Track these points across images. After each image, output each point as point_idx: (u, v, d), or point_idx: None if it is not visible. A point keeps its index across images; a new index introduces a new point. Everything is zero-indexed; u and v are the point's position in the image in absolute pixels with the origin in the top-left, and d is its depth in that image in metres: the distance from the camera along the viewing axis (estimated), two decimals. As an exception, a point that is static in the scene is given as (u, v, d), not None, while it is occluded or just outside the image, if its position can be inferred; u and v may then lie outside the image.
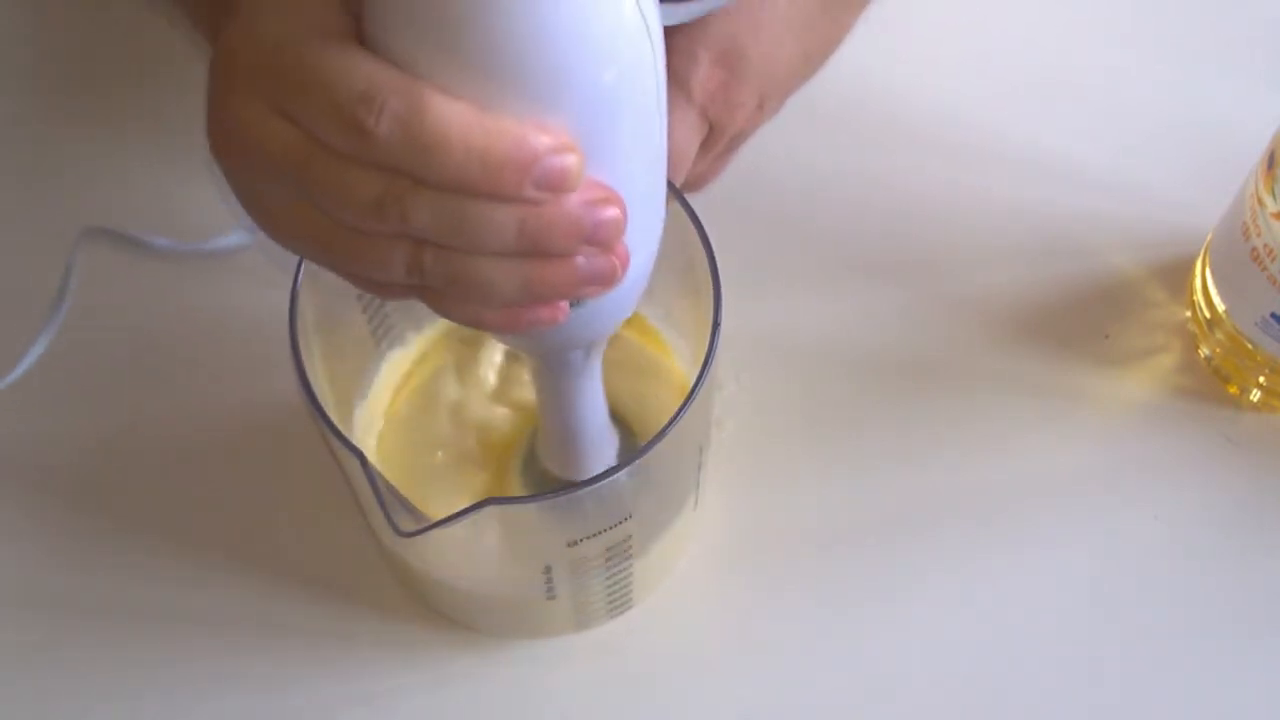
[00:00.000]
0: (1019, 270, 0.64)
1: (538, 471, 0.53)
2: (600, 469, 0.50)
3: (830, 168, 0.66)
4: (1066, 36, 0.71)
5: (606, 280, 0.37)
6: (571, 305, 0.38)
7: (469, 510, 0.42)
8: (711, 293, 0.47)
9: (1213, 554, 0.58)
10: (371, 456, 0.55)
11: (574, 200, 0.35)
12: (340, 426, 0.44)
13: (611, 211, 0.36)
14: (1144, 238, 0.65)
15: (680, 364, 0.57)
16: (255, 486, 0.59)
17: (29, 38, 0.71)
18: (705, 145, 0.54)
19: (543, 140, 0.34)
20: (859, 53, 0.59)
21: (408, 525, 0.42)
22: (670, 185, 0.50)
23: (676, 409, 0.45)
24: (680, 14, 0.41)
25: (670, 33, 0.51)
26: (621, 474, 0.44)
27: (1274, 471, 0.60)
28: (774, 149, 0.61)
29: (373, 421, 0.56)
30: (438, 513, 0.43)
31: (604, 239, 0.36)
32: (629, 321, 0.57)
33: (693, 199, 0.49)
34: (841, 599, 0.57)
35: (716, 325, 0.46)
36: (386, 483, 0.42)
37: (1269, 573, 0.58)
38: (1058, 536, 0.59)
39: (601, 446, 0.50)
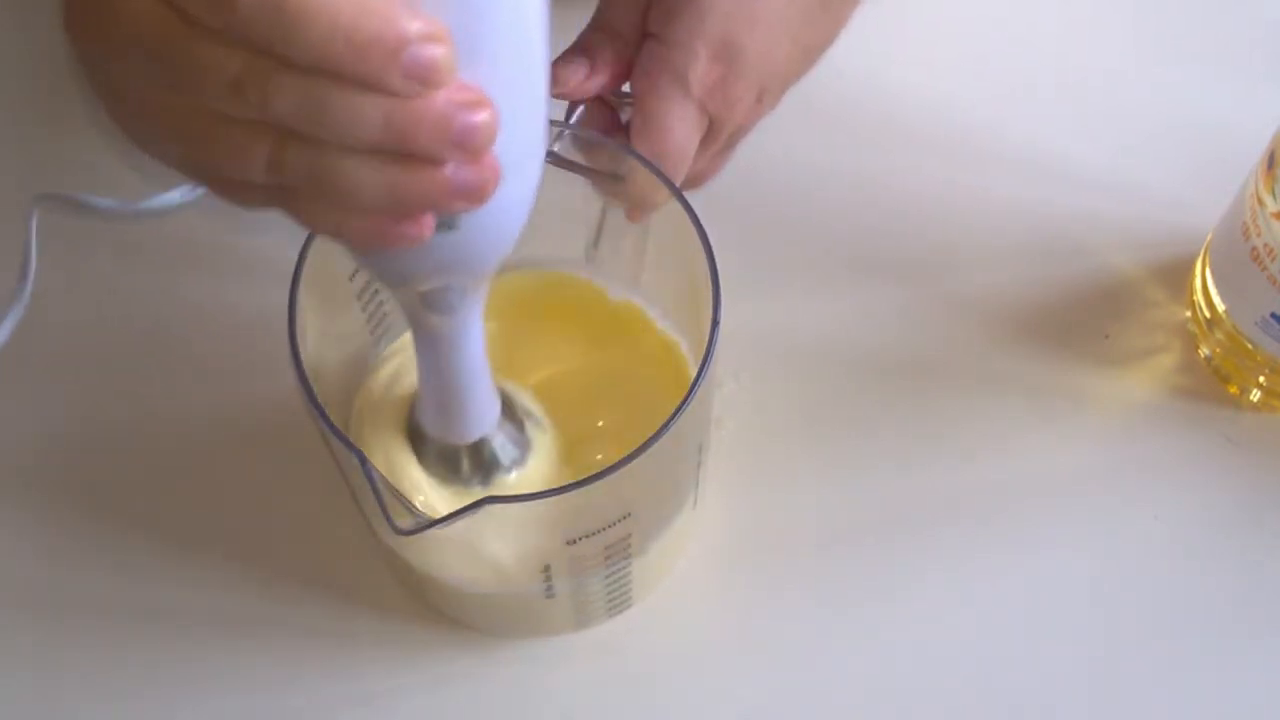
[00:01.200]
0: (1019, 270, 0.64)
1: (417, 439, 0.51)
2: (479, 434, 0.49)
3: (830, 167, 0.66)
4: (1066, 36, 0.71)
5: (475, 193, 0.35)
6: (441, 229, 0.37)
7: (467, 509, 0.42)
8: (710, 292, 0.47)
9: (1213, 554, 0.58)
10: (372, 451, 0.55)
11: (442, 97, 0.34)
12: (338, 424, 0.44)
13: (482, 115, 0.34)
14: (1144, 238, 0.65)
15: (681, 363, 0.57)
16: (254, 485, 0.59)
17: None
18: (705, 141, 0.54)
19: (413, 25, 0.32)
20: (858, 52, 0.59)
21: (406, 523, 0.42)
22: (669, 182, 0.50)
23: (675, 407, 0.45)
24: None
25: (669, 27, 0.51)
26: (621, 470, 0.44)
27: (1274, 471, 0.60)
28: (774, 149, 0.61)
29: (373, 415, 0.56)
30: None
31: (473, 144, 0.34)
32: (631, 318, 0.57)
33: (693, 198, 0.49)
34: (841, 598, 0.57)
35: (716, 324, 0.46)
36: (385, 480, 0.42)
37: (1269, 573, 0.58)
38: (1057, 536, 0.59)
39: (482, 410, 0.49)
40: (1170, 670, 0.56)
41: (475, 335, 0.45)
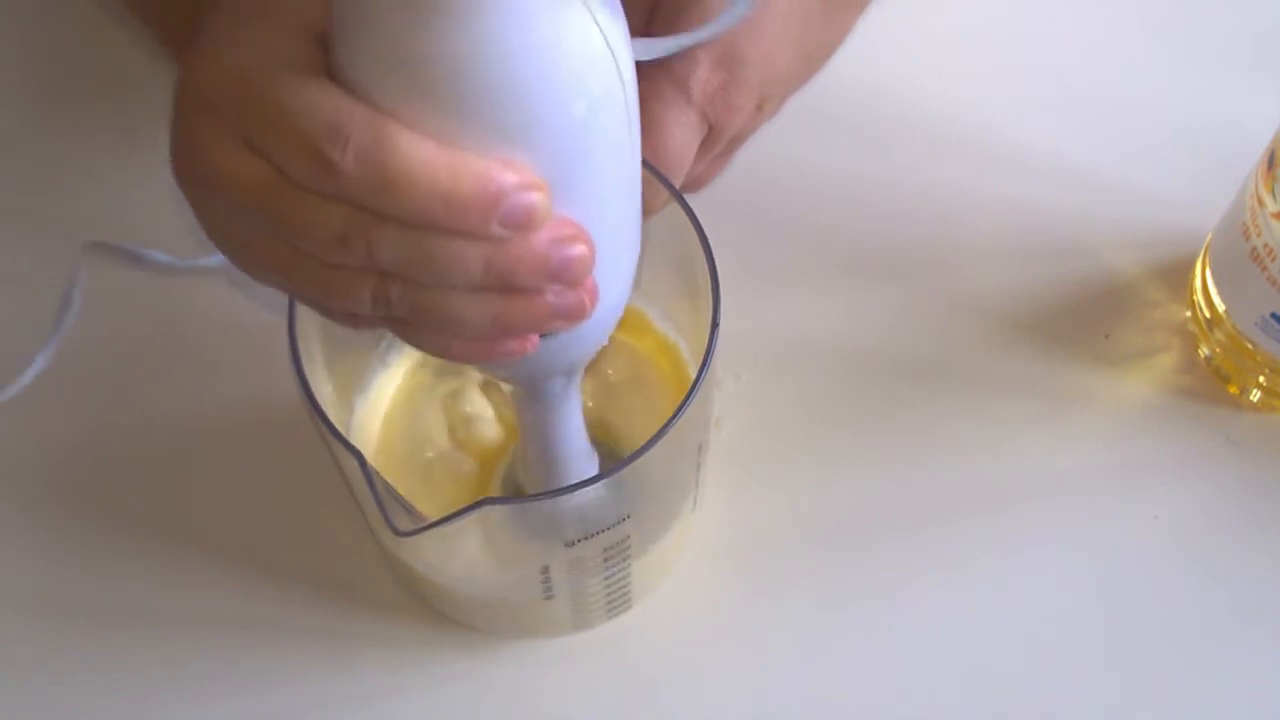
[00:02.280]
0: (1019, 270, 0.64)
1: (516, 490, 0.53)
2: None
3: (830, 167, 0.66)
4: (1066, 37, 0.71)
5: (575, 315, 0.37)
6: (542, 336, 0.38)
7: (466, 510, 0.42)
8: (710, 293, 0.47)
9: (1213, 554, 0.58)
10: (371, 456, 0.55)
11: (541, 238, 0.35)
12: (340, 427, 0.45)
13: (579, 249, 0.35)
14: (1144, 238, 0.65)
15: (680, 363, 0.57)
16: (256, 488, 0.60)
17: (26, 52, 0.71)
18: (704, 146, 0.54)
19: (508, 178, 0.34)
20: (859, 53, 0.59)
21: (405, 525, 0.42)
22: (670, 185, 0.50)
23: (675, 408, 0.45)
24: (657, 49, 0.41)
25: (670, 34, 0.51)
26: (619, 474, 0.44)
27: (1274, 471, 0.60)
28: (774, 149, 0.61)
29: (372, 422, 0.56)
30: (435, 512, 0.43)
31: (571, 277, 0.36)
32: (631, 319, 0.57)
33: (693, 199, 0.49)
34: (841, 599, 0.57)
35: (715, 325, 0.46)
36: (384, 482, 0.42)
37: (1269, 572, 0.58)
38: (1057, 536, 0.59)
39: (581, 472, 0.50)
40: (1170, 670, 0.56)
41: (575, 410, 0.47)
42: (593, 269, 0.36)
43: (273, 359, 0.56)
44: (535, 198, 0.34)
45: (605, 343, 0.42)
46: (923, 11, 0.70)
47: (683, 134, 0.52)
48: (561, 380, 0.44)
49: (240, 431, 0.60)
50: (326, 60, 0.35)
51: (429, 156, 0.33)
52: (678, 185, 0.52)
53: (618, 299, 0.40)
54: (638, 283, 0.56)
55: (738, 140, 0.56)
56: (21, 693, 0.56)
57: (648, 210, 0.52)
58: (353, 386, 0.55)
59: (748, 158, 0.59)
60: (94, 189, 0.67)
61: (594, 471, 0.51)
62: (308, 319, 0.47)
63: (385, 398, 0.57)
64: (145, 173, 0.67)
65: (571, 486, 0.44)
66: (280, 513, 0.59)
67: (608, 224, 0.37)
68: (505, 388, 0.46)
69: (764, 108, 0.54)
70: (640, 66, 0.52)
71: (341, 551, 0.58)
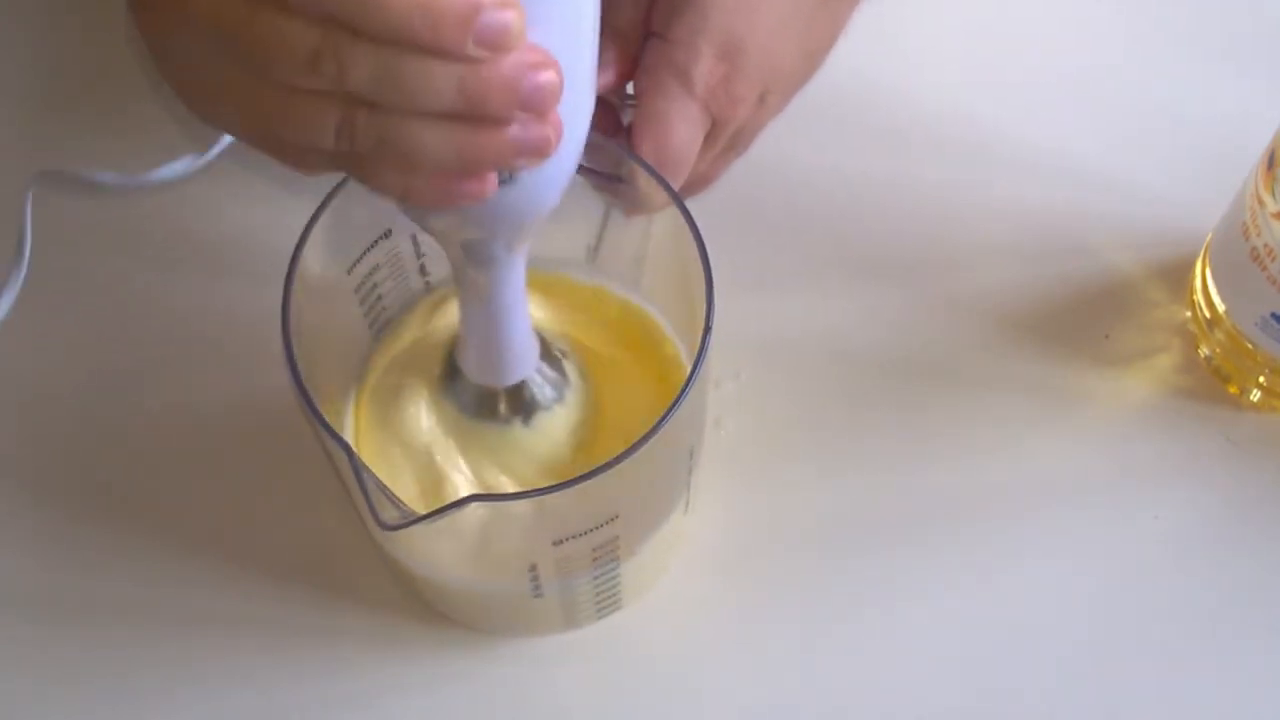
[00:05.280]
0: (1019, 270, 0.64)
1: (456, 385, 0.52)
2: (519, 377, 0.50)
3: (829, 167, 0.66)
4: (1066, 36, 0.70)
5: (540, 150, 0.37)
6: (501, 183, 0.38)
7: (451, 506, 0.42)
8: (704, 297, 0.47)
9: (1213, 554, 0.58)
10: (370, 452, 0.55)
11: (512, 60, 0.35)
12: (333, 418, 0.45)
13: (548, 75, 0.35)
14: (1144, 238, 0.64)
15: (679, 364, 0.57)
16: (250, 483, 0.60)
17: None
18: (707, 141, 0.54)
19: None
20: (858, 52, 0.59)
21: (391, 518, 0.43)
22: (667, 186, 0.50)
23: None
24: None
25: (672, 26, 0.51)
26: (608, 473, 0.44)
27: (1274, 471, 0.60)
28: (773, 148, 0.61)
29: (368, 411, 0.56)
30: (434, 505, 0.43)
31: (540, 104, 0.35)
32: (630, 318, 0.57)
33: (692, 200, 0.49)
34: (837, 601, 0.57)
35: (708, 329, 0.46)
36: (372, 475, 0.42)
37: (1269, 573, 0.58)
38: (1057, 536, 0.58)
39: (523, 354, 0.50)
40: (1170, 670, 0.56)
41: (517, 283, 0.46)
42: (559, 100, 0.36)
43: (267, 351, 0.56)
44: (510, 16, 0.34)
45: (552, 207, 0.41)
46: (922, 11, 0.70)
47: (686, 129, 0.52)
48: (504, 245, 0.44)
49: (236, 426, 0.61)
50: None
51: None
52: (681, 182, 0.52)
53: (572, 153, 0.40)
54: (637, 282, 0.57)
55: (741, 136, 0.56)
56: (17, 691, 0.56)
57: (649, 209, 0.52)
58: (348, 377, 0.55)
59: (748, 157, 0.59)
60: (39, 120, 0.67)
61: (534, 357, 0.51)
62: (303, 313, 0.47)
63: (384, 391, 0.57)
64: (85, 94, 0.67)
65: (556, 486, 0.44)
66: (276, 510, 0.59)
67: (568, 63, 0.37)
68: (449, 257, 0.45)
69: (767, 100, 0.54)
70: (642, 60, 0.53)
71: (338, 550, 0.58)
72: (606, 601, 0.54)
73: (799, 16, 0.54)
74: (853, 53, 0.58)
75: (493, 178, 0.37)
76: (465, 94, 0.35)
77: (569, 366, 0.53)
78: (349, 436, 0.54)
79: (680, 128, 0.52)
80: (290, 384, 0.45)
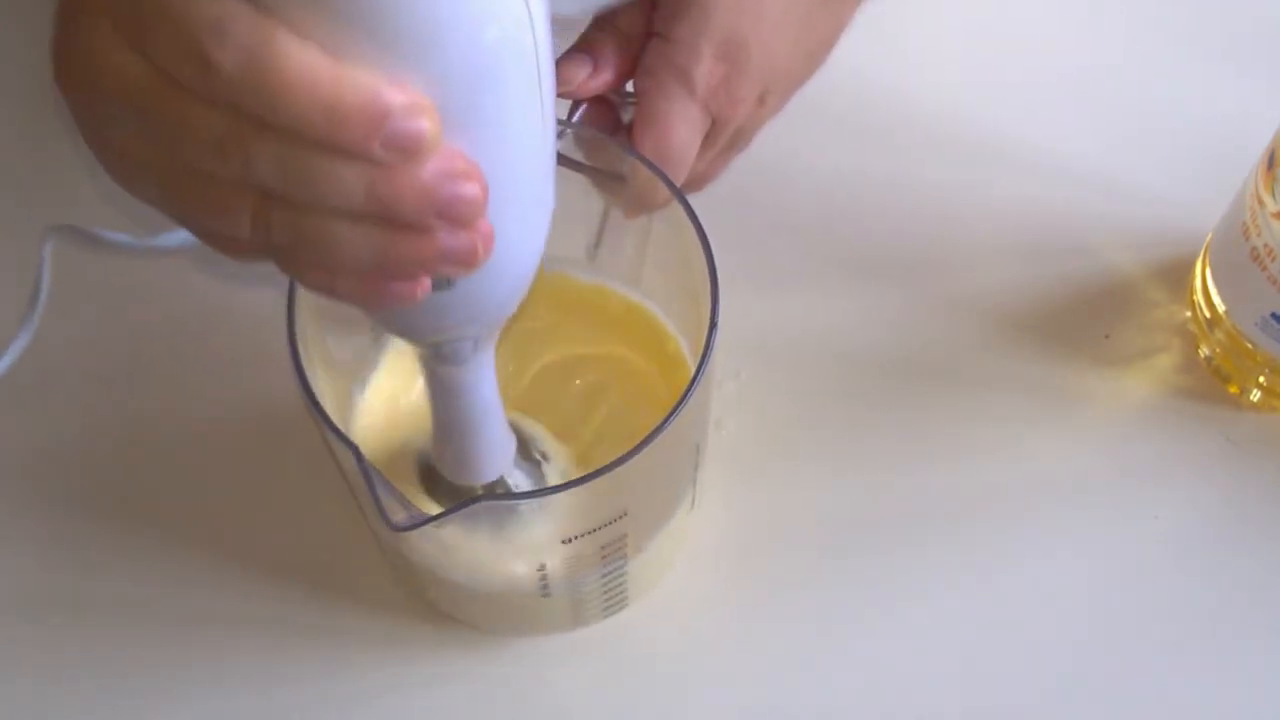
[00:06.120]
0: (1019, 270, 0.64)
1: (430, 478, 0.51)
2: (492, 475, 0.49)
3: (830, 167, 0.66)
4: (1066, 37, 0.71)
5: (465, 259, 0.35)
6: (439, 287, 0.36)
7: (461, 506, 0.42)
8: (709, 293, 0.47)
9: (1213, 554, 0.58)
10: (371, 448, 0.55)
11: (428, 169, 0.33)
12: (339, 419, 0.44)
13: (469, 187, 0.33)
14: (1144, 238, 0.65)
15: (680, 362, 0.57)
16: (253, 483, 0.60)
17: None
18: (707, 141, 0.54)
19: (395, 97, 0.32)
20: (859, 52, 0.59)
21: (401, 519, 0.42)
22: (670, 183, 0.50)
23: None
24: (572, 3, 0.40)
25: (674, 26, 0.51)
26: (616, 470, 0.44)
27: (1274, 471, 0.60)
28: (774, 148, 0.61)
29: (372, 413, 0.56)
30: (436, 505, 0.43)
31: (459, 215, 0.34)
32: (632, 317, 0.57)
33: (694, 198, 0.49)
34: (840, 599, 0.57)
35: (713, 326, 0.46)
36: (380, 476, 0.42)
37: (1269, 573, 0.58)
38: (1057, 536, 0.59)
39: (496, 450, 0.48)
40: (1170, 670, 0.56)
41: (487, 381, 0.45)
42: (484, 212, 0.34)
43: (271, 352, 0.56)
44: (423, 124, 0.32)
45: (512, 309, 0.40)
46: (922, 11, 0.70)
47: (686, 130, 0.52)
48: (468, 344, 0.42)
49: (240, 428, 0.60)
50: None
51: (312, 63, 0.32)
52: (680, 182, 0.52)
53: (525, 259, 0.38)
54: (639, 280, 0.57)
55: (740, 136, 0.56)
56: (18, 691, 0.56)
57: (649, 207, 0.52)
58: (353, 377, 0.55)
59: (748, 157, 0.59)
60: (54, 177, 0.66)
61: (509, 454, 0.49)
62: (306, 315, 0.47)
63: (386, 388, 0.57)
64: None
65: (565, 485, 0.44)
66: (279, 511, 0.59)
67: (511, 171, 0.35)
68: (416, 353, 0.44)
69: (766, 100, 0.54)
70: (642, 60, 0.52)
71: (340, 550, 0.58)
72: (614, 599, 0.54)
73: (800, 17, 0.54)
74: (853, 52, 0.58)
75: (425, 280, 0.35)
76: (375, 197, 0.33)
77: (549, 470, 0.52)
78: (355, 437, 0.54)
79: (680, 128, 0.52)
80: (294, 384, 0.45)
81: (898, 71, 0.68)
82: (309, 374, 0.45)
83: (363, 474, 0.42)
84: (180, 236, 0.61)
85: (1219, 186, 0.60)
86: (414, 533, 0.43)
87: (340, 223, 0.34)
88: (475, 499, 0.42)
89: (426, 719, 0.55)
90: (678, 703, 0.56)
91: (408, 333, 0.42)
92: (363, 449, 0.43)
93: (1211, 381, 0.62)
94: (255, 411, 0.61)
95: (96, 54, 0.35)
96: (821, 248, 0.65)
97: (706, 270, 0.47)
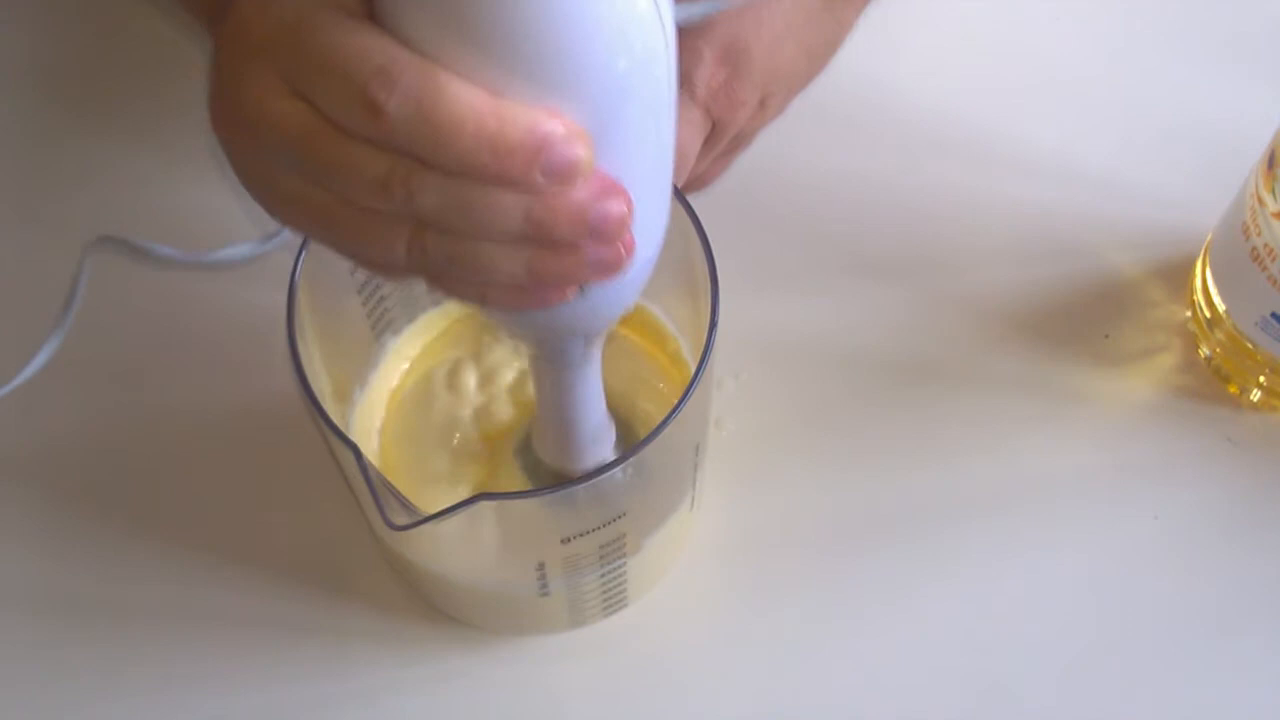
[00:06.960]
0: (1019, 270, 0.64)
1: (532, 462, 0.52)
2: (595, 463, 0.50)
3: (830, 167, 0.66)
4: (1067, 36, 0.71)
5: (611, 270, 0.37)
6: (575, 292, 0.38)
7: (460, 505, 0.42)
8: (709, 293, 0.47)
9: (1213, 554, 0.58)
10: (373, 448, 0.55)
11: (581, 192, 0.35)
12: (339, 419, 0.45)
13: (617, 205, 0.36)
14: (1144, 238, 0.65)
15: (681, 361, 0.57)
16: (255, 484, 0.60)
17: (36, 44, 0.72)
18: (707, 144, 0.54)
19: (555, 127, 0.34)
20: (859, 52, 0.59)
21: (400, 519, 0.42)
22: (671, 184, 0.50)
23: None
24: (690, 11, 0.41)
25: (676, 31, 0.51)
26: (615, 471, 0.44)
27: (1274, 471, 0.60)
28: (774, 149, 0.61)
29: (373, 413, 0.56)
30: (439, 504, 0.43)
31: (609, 232, 0.36)
32: (633, 316, 0.57)
33: (694, 198, 0.49)
34: (839, 599, 0.57)
35: (713, 325, 0.46)
36: (380, 475, 0.42)
37: (1269, 572, 0.58)
38: (1057, 536, 0.59)
39: (599, 441, 0.50)
40: (1170, 669, 0.56)
41: (594, 379, 0.47)
42: (630, 227, 0.36)
43: (273, 354, 0.56)
44: (579, 150, 0.34)
45: (631, 307, 0.42)
46: (922, 12, 0.70)
47: (687, 133, 0.52)
48: (582, 344, 0.44)
49: (240, 428, 0.60)
50: (372, 8, 0.35)
51: (476, 103, 0.33)
52: (680, 184, 0.52)
53: (648, 260, 0.40)
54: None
55: (741, 139, 0.56)
56: (18, 691, 0.56)
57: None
58: (353, 377, 0.55)
59: (749, 157, 0.59)
60: (102, 185, 0.67)
61: (610, 445, 0.51)
62: (307, 314, 0.47)
63: (386, 389, 0.57)
64: (154, 168, 0.67)
65: (564, 484, 0.44)
66: (280, 510, 0.59)
67: (644, 183, 0.37)
68: (525, 353, 0.46)
69: (767, 104, 0.55)
70: None
71: (340, 549, 0.58)
72: (613, 599, 0.54)
73: (802, 21, 0.54)
74: (854, 54, 0.58)
75: (573, 288, 0.38)
76: (533, 222, 0.35)
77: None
78: (356, 437, 0.54)
79: (681, 131, 0.52)
80: (295, 384, 0.45)
81: (899, 73, 0.68)
82: (309, 374, 0.45)
83: (362, 473, 0.42)
84: (233, 252, 0.62)
85: (1219, 186, 0.60)
86: (413, 532, 0.43)
87: (494, 245, 0.36)
88: (473, 498, 0.42)
89: (426, 718, 0.55)
90: (677, 702, 0.56)
91: (533, 335, 0.44)
92: (368, 448, 0.43)
93: (1211, 381, 0.62)
94: (256, 411, 0.61)
95: (257, 98, 0.36)
96: (822, 248, 0.65)
97: (706, 270, 0.47)
